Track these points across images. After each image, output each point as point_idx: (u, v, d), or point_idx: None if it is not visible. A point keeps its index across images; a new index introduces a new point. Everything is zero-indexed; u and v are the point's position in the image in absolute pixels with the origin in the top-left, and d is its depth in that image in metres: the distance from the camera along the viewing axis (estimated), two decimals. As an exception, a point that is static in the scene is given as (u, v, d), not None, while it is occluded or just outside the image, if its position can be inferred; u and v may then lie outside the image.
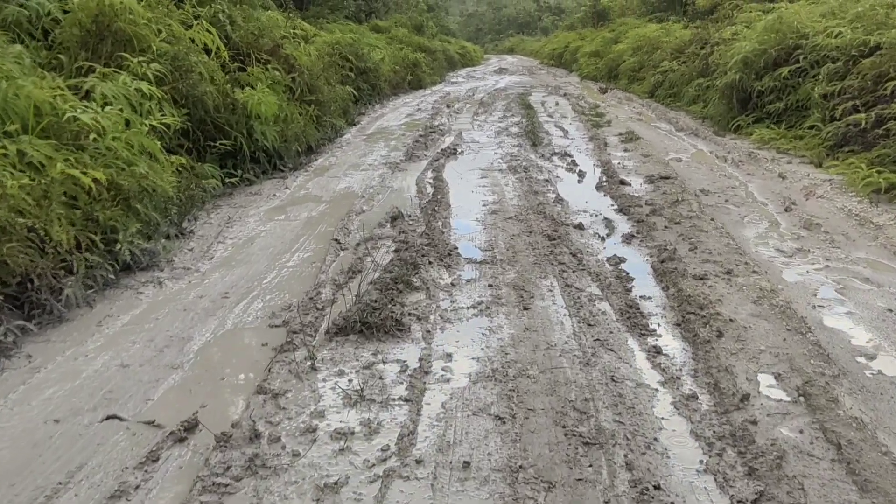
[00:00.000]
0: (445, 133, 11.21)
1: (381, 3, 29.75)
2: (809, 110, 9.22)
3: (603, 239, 5.51)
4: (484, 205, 6.57)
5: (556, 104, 15.75)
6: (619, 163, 8.47)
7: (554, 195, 6.91)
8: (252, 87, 8.29)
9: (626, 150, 9.35)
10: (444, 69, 26.60)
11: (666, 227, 5.69)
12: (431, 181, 7.60)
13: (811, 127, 8.87)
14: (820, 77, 9.04)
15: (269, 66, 9.05)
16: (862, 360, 3.41)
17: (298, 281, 4.66)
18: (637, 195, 6.80)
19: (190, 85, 6.90)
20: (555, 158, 8.94)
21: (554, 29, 54.39)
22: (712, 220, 5.84)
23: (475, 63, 36.65)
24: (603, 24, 29.96)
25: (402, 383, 3.22)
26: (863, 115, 7.72)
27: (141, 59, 6.51)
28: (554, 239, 5.43)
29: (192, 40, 7.64)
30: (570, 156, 9.08)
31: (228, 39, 9.04)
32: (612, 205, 6.56)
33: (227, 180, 7.30)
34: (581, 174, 7.95)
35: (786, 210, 6.19)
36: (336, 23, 20.16)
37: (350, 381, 3.24)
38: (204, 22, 7.62)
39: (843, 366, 3.33)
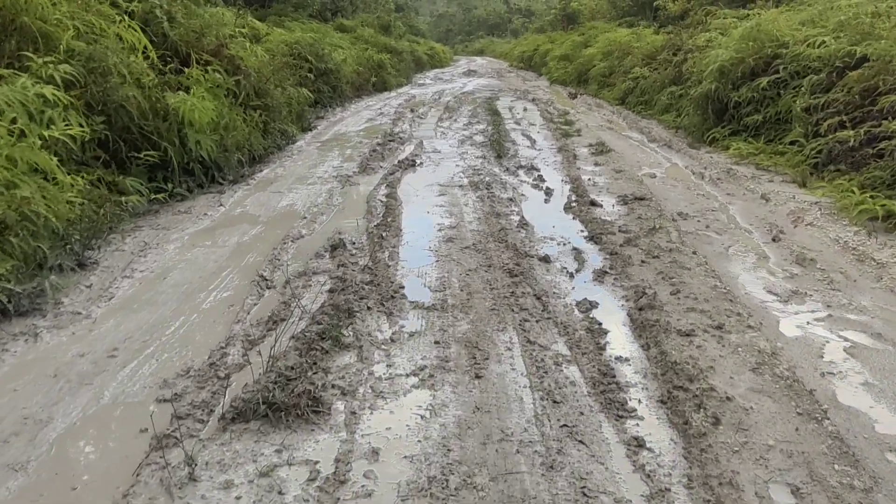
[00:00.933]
0: (405, 141, 10.40)
1: (347, 1, 28.85)
2: (790, 124, 8.57)
3: (572, 276, 4.74)
4: (439, 230, 5.77)
5: (525, 110, 15.01)
6: (589, 179, 7.72)
7: (518, 218, 6.14)
8: (188, 92, 7.41)
9: (596, 164, 8.62)
10: (412, 71, 25.77)
11: (643, 261, 4.94)
12: (384, 199, 6.79)
13: (793, 142, 8.21)
14: (802, 89, 8.39)
15: (209, 67, 8.16)
16: (894, 458, 2.68)
17: (207, 332, 3.82)
18: (609, 219, 6.06)
19: (107, 89, 6.01)
20: (520, 173, 8.18)
21: (524, 31, 53.78)
22: (694, 252, 5.10)
23: (444, 64, 35.88)
24: (573, 28, 29.35)
25: (307, 501, 2.41)
26: (851, 133, 7.06)
27: (48, 59, 5.61)
28: (516, 275, 4.66)
29: (121, 38, 6.76)
30: (537, 170, 8.32)
31: (166, 38, 8.15)
32: (582, 231, 5.81)
33: (154, 196, 6.43)
34: (548, 192, 7.19)
35: (773, 240, 5.48)
36: (298, 21, 19.25)
37: (238, 498, 2.42)
38: (126, 18, 6.71)
39: (873, 469, 2.60)
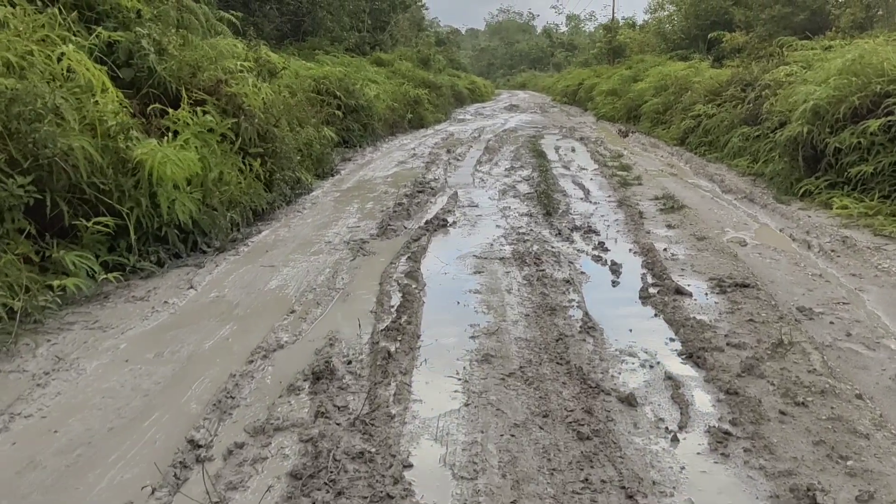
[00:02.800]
0: (438, 192, 8.75)
1: (387, 35, 27.62)
2: (914, 178, 6.73)
3: (674, 437, 2.97)
4: (472, 337, 4.06)
5: (573, 150, 13.31)
6: (665, 248, 5.96)
7: (580, 314, 4.41)
8: (163, 138, 5.88)
9: (669, 226, 6.84)
10: (451, 106, 24.30)
11: (783, 412, 3.15)
12: (402, 280, 5.10)
13: (923, 203, 6.37)
14: (932, 135, 6.55)
15: (200, 109, 6.62)
16: None
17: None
18: (707, 320, 4.29)
19: (37, 140, 4.47)
20: (576, 237, 6.45)
21: (567, 65, 52.21)
22: (859, 396, 3.30)
23: (485, 99, 34.44)
24: (619, 61, 27.67)
25: None
26: None
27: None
28: (587, 438, 2.92)
29: (71, 72, 5.26)
30: (597, 233, 6.59)
31: (151, 73, 6.66)
32: (673, 340, 4.04)
33: (104, 276, 4.84)
34: (615, 269, 5.44)
35: (959, 363, 3.66)
36: (332, 55, 17.90)
37: None
38: (70, 48, 5.16)
39: None
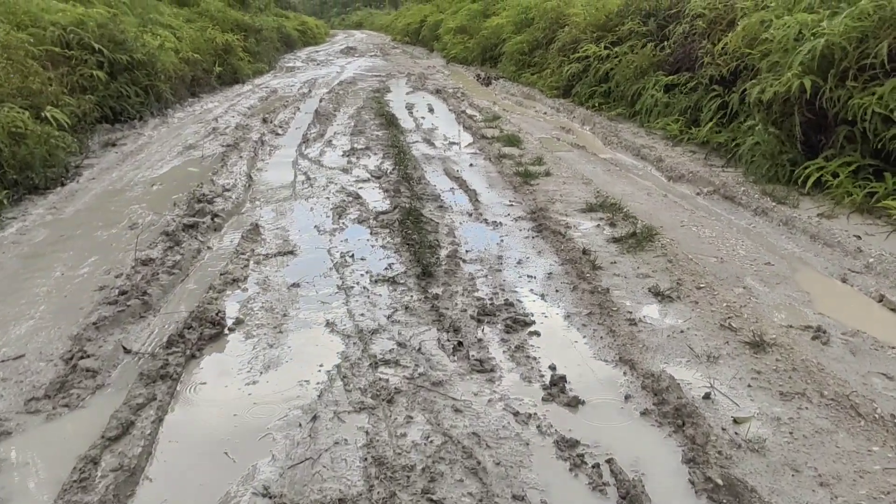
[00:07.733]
0: (229, 217, 4.80)
1: (197, -30, 22.08)
2: None
3: None
4: None
5: (431, 111, 9.58)
6: (706, 394, 2.50)
7: None
8: None
9: (658, 296, 3.37)
10: (278, 52, 19.64)
11: None
12: None
13: None
14: None
15: None
16: None
17: None
18: None
19: None
20: (494, 350, 2.86)
21: (404, 1, 47.46)
22: None
23: (319, 41, 29.57)
24: (463, -5, 23.80)
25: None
26: None
27: None
28: None
29: None
30: (530, 327, 3.04)
31: None
32: None
33: None
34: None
35: None
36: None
37: None
38: None
39: None
